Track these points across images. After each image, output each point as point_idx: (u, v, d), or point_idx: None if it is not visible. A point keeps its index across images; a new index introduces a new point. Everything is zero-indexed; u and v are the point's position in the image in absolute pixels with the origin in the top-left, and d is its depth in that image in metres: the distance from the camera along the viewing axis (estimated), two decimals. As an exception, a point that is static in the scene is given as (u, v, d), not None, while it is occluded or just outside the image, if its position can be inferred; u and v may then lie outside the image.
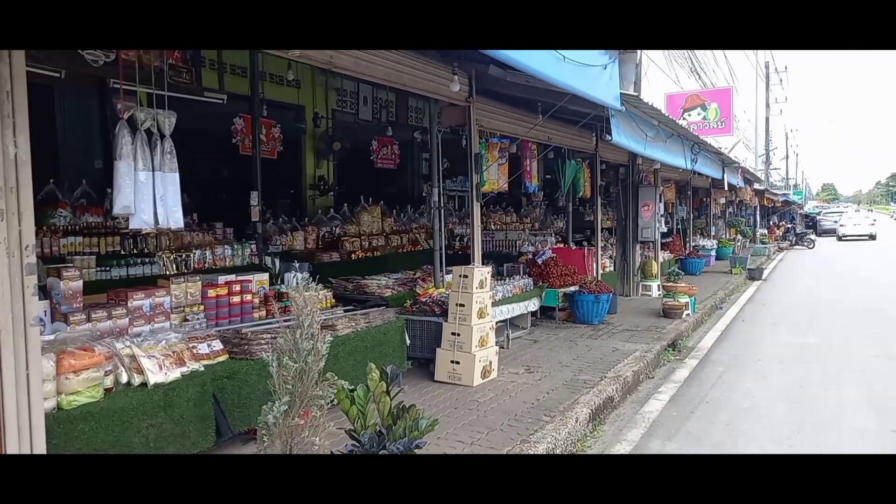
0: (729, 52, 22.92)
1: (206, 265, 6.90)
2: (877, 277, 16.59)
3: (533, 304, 8.41)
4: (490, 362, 6.09)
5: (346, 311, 5.73)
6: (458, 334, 5.92)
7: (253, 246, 7.54)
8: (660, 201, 13.70)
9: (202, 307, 4.66)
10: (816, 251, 27.51)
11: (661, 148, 7.96)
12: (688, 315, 9.80)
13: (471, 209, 6.53)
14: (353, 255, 9.12)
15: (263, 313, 5.13)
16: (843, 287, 14.64)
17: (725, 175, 13.53)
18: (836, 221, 39.42)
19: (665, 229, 15.21)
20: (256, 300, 5.08)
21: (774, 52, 43.23)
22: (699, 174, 15.61)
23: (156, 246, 6.72)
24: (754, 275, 16.54)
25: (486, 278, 6.06)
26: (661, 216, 14.31)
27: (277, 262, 7.67)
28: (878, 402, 5.87)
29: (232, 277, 5.08)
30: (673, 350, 8.15)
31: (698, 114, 14.90)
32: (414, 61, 5.54)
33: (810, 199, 77.52)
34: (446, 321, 6.04)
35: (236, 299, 4.90)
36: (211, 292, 4.74)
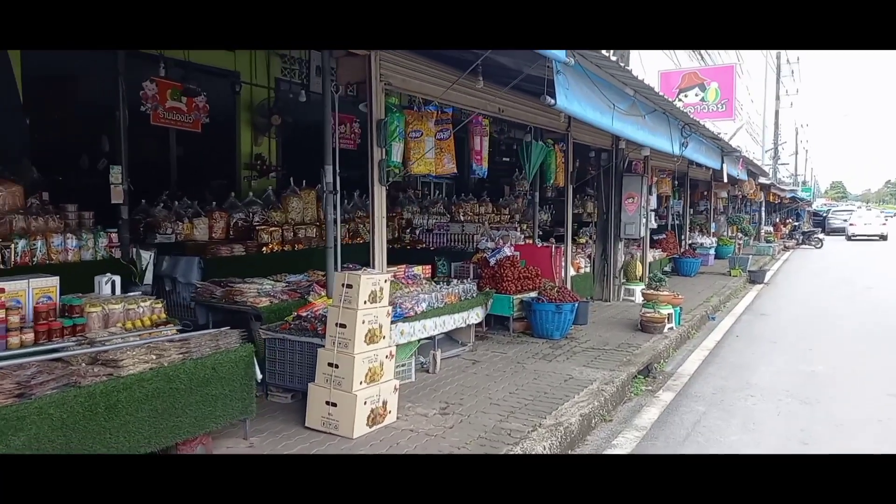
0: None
1: (35, 260, 5.33)
2: (890, 284, 14.94)
3: (475, 316, 6.81)
4: (383, 403, 4.50)
5: (180, 331, 4.14)
6: (337, 365, 4.34)
7: (114, 235, 5.95)
8: (650, 193, 12.09)
9: None
10: (824, 251, 25.79)
11: (636, 124, 6.31)
12: (670, 329, 8.19)
13: (371, 193, 4.93)
14: (265, 249, 7.53)
15: (30, 336, 3.53)
16: (852, 296, 12.98)
17: (725, 165, 11.86)
18: (845, 220, 37.71)
19: (655, 225, 13.59)
20: (16, 317, 3.49)
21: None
22: (697, 164, 13.95)
23: (-32, 233, 5.16)
24: (755, 277, 14.91)
25: (380, 288, 4.46)
26: (652, 210, 12.71)
27: (150, 256, 6.09)
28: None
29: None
30: (646, 377, 6.57)
31: (696, 94, 13.20)
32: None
33: (819, 197, 75.47)
34: (325, 347, 4.46)
35: (-27, 318, 3.31)
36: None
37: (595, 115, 5.15)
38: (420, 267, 7.10)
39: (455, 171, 6.18)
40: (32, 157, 8.43)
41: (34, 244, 5.31)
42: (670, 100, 7.18)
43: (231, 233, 7.95)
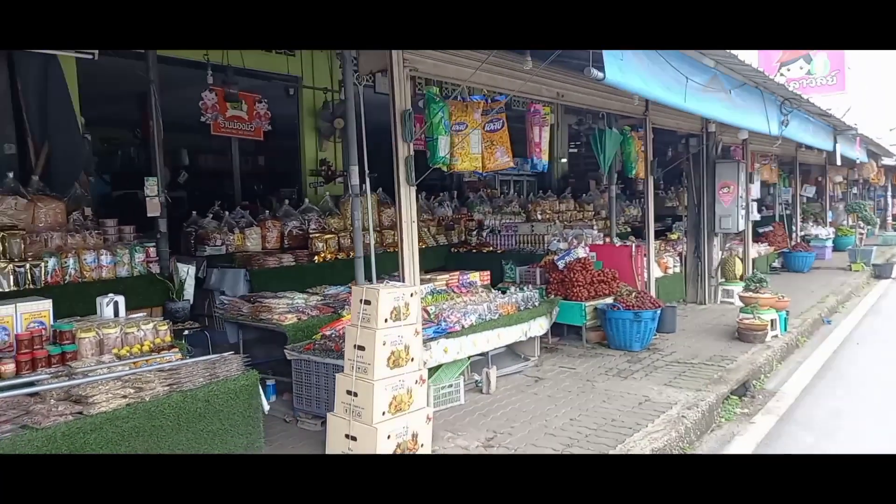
0: None
1: (68, 278, 5.15)
2: None
3: (537, 327, 6.08)
4: (413, 435, 3.90)
5: (189, 354, 3.74)
6: (356, 394, 3.79)
7: (152, 249, 5.72)
8: (751, 182, 10.81)
9: None
10: (966, 239, 22.70)
11: (719, 101, 5.36)
12: (774, 337, 7.09)
13: (397, 195, 4.35)
14: (317, 258, 7.15)
15: (11, 367, 3.22)
16: None
17: (838, 145, 10.38)
18: None
19: (758, 216, 12.19)
20: (-10, 348, 3.20)
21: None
22: (807, 147, 12.40)
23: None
24: (881, 272, 13.11)
25: (405, 304, 3.87)
26: (754, 200, 11.39)
27: (188, 269, 5.84)
28: None
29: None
30: (742, 396, 5.60)
31: (801, 68, 11.67)
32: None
33: (958, 178, 67.56)
34: (343, 372, 3.93)
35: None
36: None
37: (661, 90, 4.31)
38: (477, 273, 6.48)
39: (512, 165, 5.51)
40: (101, 174, 8.50)
41: (65, 262, 5.13)
42: (764, 72, 6.13)
43: (287, 242, 7.65)
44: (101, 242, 5.65)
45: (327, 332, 4.41)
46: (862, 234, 16.03)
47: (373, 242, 4.67)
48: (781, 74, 9.77)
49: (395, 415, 3.81)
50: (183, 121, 9.05)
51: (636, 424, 4.53)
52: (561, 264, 7.04)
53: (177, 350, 3.76)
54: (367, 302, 3.79)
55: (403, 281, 4.36)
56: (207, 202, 8.15)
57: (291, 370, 4.55)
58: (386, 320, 3.78)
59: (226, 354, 3.61)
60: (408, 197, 4.33)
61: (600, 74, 3.59)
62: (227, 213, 7.38)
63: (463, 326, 5.08)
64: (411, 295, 3.94)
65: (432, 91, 5.10)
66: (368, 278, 4.94)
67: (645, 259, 7.90)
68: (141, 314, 4.12)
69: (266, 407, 3.68)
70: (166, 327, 3.87)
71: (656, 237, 11.10)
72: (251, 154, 11.56)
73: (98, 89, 8.15)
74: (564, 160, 16.58)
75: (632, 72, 3.91)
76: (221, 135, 9.13)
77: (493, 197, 12.41)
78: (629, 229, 12.57)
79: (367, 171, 4.58)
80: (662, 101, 4.61)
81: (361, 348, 3.79)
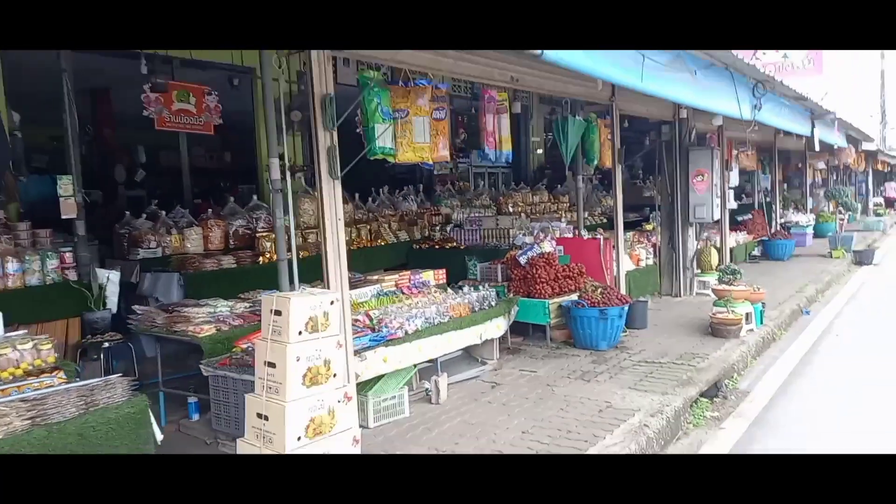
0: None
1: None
2: None
3: (494, 329, 5.64)
4: (336, 460, 3.45)
5: (78, 377, 3.26)
6: (266, 417, 3.33)
7: (67, 254, 5.21)
8: (728, 169, 10.47)
9: None
10: (948, 223, 22.59)
11: (682, 82, 4.92)
12: (749, 332, 6.71)
13: (318, 189, 3.89)
14: (261, 259, 6.67)
15: None
16: None
17: (816, 130, 10.02)
18: (971, 186, 33.37)
19: (735, 205, 11.85)
20: None
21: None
22: (785, 133, 12.04)
23: None
24: (862, 258, 12.83)
25: (323, 313, 3.41)
26: (731, 188, 11.05)
27: (112, 275, 5.34)
28: None
29: None
30: (713, 398, 5.21)
31: (777, 51, 11.30)
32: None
33: (938, 162, 67.93)
34: (254, 392, 3.47)
35: None
36: None
37: (613, 69, 3.88)
38: (431, 272, 6.04)
39: (448, 159, 5.06)
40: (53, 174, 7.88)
41: (-40, 272, 4.63)
42: (734, 53, 5.71)
43: (232, 242, 7.17)
44: (11, 248, 5.14)
45: (243, 345, 3.95)
46: (842, 220, 15.76)
47: (294, 244, 4.21)
48: (757, 59, 9.35)
49: (313, 439, 3.36)
50: (133, 116, 8.50)
51: (594, 436, 4.12)
52: (523, 260, 6.61)
53: (61, 373, 3.29)
54: (278, 312, 3.33)
55: (328, 286, 3.90)
56: (163, 200, 7.66)
57: (209, 388, 4.09)
58: (300, 332, 3.32)
59: (111, 377, 3.13)
60: (331, 192, 3.86)
61: (536, 51, 3.15)
62: (163, 212, 6.87)
63: (406, 332, 4.63)
64: (331, 303, 3.48)
65: (366, 76, 4.64)
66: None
67: (614, 252, 7.49)
68: (21, 332, 3.62)
69: (159, 437, 3.21)
70: (49, 346, 3.38)
71: (634, 228, 10.73)
72: (210, 150, 11.04)
73: (38, 84, 7.60)
74: (540, 151, 16.15)
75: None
76: (167, 129, 8.60)
77: (465, 190, 11.97)
78: (605, 220, 12.18)
79: (287, 164, 4.11)
80: (615, 82, 4.19)
81: (272, 365, 3.33)
